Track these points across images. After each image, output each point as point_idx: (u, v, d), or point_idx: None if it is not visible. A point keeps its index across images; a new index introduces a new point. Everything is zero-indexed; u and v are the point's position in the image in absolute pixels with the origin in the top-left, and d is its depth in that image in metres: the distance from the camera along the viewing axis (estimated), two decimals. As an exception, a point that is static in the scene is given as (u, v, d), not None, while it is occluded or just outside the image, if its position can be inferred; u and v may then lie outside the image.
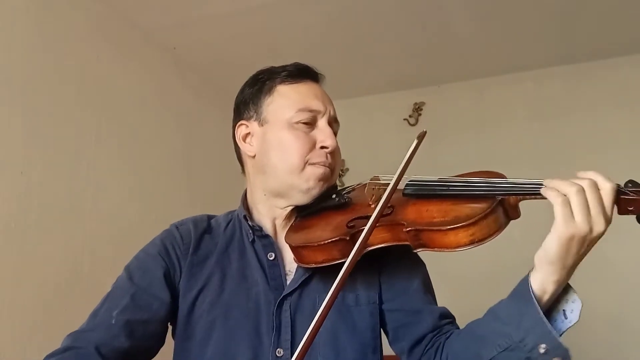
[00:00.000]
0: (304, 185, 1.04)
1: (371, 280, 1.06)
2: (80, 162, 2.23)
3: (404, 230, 0.90)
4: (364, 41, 2.83)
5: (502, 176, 0.94)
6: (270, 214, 1.10)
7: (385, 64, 3.09)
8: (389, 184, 0.97)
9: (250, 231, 1.09)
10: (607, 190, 0.80)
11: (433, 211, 0.91)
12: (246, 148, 1.11)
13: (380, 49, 2.93)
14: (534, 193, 0.85)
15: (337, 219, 1.02)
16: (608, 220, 0.79)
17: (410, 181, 0.99)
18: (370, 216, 0.91)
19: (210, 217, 1.16)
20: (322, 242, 0.96)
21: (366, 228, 0.86)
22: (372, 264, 1.04)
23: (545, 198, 0.81)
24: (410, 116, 3.37)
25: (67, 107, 2.18)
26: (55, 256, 2.06)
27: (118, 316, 0.96)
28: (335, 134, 1.10)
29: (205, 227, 1.12)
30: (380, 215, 0.87)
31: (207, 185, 2.99)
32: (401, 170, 0.93)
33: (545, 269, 0.82)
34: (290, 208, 1.08)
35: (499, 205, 0.87)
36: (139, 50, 2.66)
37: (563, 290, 0.85)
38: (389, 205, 0.94)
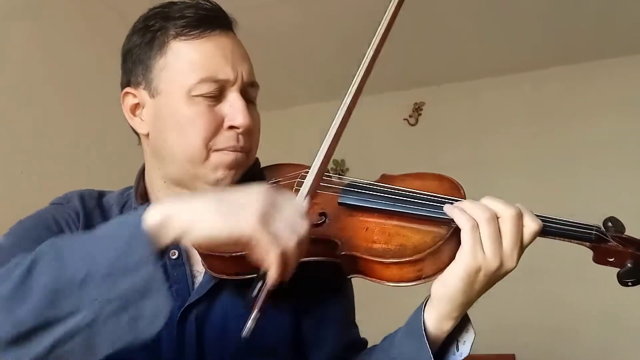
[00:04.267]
0: (211, 176, 0.82)
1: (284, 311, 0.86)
2: (81, 163, 2.23)
3: (337, 252, 0.74)
4: (363, 41, 2.83)
5: (457, 187, 0.79)
6: None
7: (385, 64, 3.09)
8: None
9: None
10: (530, 229, 0.70)
11: (374, 231, 0.74)
12: (136, 124, 0.87)
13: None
14: None
15: None
16: (519, 257, 0.70)
17: (349, 185, 0.81)
18: None
19: (101, 195, 0.93)
20: (235, 254, 0.74)
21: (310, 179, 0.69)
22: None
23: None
24: (410, 116, 3.37)
25: (67, 107, 2.19)
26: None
27: None
28: (253, 100, 0.87)
29: (95, 204, 0.89)
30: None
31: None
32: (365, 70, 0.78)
33: (444, 307, 0.71)
34: None
35: (454, 233, 0.71)
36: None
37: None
38: (321, 212, 0.78)
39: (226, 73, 0.81)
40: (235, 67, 0.82)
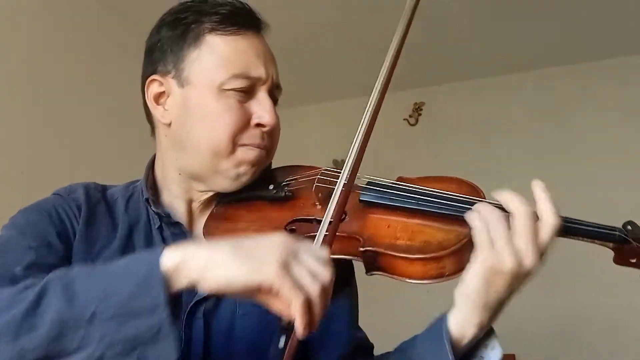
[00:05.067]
0: (233, 171, 0.83)
1: None
2: (81, 163, 2.23)
3: (359, 248, 0.73)
4: (364, 41, 2.83)
5: (477, 191, 0.78)
6: (186, 196, 0.88)
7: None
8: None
9: (156, 217, 0.86)
10: (547, 225, 0.68)
11: (396, 228, 0.74)
12: (159, 113, 0.86)
13: (380, 49, 2.93)
14: None
15: (272, 217, 0.83)
16: (541, 254, 0.68)
17: (369, 183, 0.81)
18: (320, 221, 0.74)
19: (104, 189, 0.93)
20: None
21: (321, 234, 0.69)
22: None
23: None
24: (410, 116, 3.37)
25: (68, 107, 2.18)
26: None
27: (25, 271, 0.73)
28: (276, 101, 0.88)
29: (99, 197, 0.90)
30: (338, 221, 0.70)
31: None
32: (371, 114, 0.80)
33: (465, 308, 0.70)
34: (211, 193, 0.87)
35: None
36: (141, 50, 2.66)
37: (485, 334, 0.73)
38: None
39: (259, 71, 0.84)
40: (267, 66, 0.85)
